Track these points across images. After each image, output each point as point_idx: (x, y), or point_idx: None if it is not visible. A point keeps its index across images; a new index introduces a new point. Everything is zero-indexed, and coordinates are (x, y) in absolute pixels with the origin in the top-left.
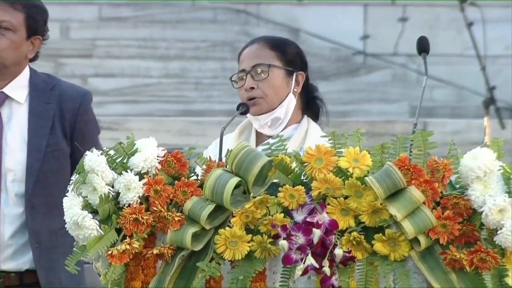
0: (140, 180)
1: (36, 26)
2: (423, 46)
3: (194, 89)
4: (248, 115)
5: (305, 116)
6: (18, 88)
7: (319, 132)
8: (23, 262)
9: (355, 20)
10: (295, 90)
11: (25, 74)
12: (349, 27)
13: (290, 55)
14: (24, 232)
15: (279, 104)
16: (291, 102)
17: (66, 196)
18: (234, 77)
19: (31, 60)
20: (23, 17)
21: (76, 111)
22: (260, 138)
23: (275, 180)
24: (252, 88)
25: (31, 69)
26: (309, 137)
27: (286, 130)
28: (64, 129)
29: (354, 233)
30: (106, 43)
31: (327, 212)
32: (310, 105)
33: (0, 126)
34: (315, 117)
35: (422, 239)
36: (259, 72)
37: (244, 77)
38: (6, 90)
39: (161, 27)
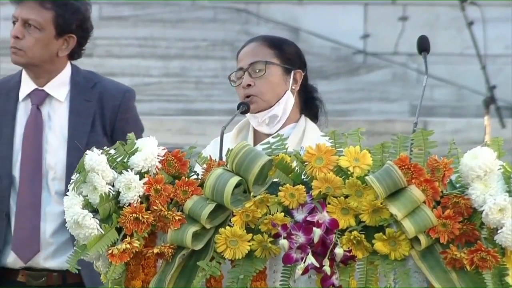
0: (140, 179)
1: (67, 24)
2: (423, 45)
3: (194, 88)
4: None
5: (303, 116)
6: (59, 86)
7: (317, 132)
8: (65, 260)
9: (355, 19)
10: (293, 88)
11: (66, 72)
12: (349, 26)
13: (288, 54)
14: (65, 230)
15: (276, 102)
16: (289, 100)
17: (67, 195)
18: (232, 76)
19: (72, 58)
20: (52, 16)
21: (116, 109)
22: (258, 137)
23: (275, 179)
24: (249, 85)
25: (73, 67)
26: (306, 136)
27: (284, 129)
28: (104, 127)
29: (355, 232)
30: (106, 42)
31: (327, 211)
32: (309, 105)
33: (41, 125)
34: (314, 117)
35: (422, 238)
36: (256, 69)
37: (242, 75)
38: (46, 88)
39: (162, 26)
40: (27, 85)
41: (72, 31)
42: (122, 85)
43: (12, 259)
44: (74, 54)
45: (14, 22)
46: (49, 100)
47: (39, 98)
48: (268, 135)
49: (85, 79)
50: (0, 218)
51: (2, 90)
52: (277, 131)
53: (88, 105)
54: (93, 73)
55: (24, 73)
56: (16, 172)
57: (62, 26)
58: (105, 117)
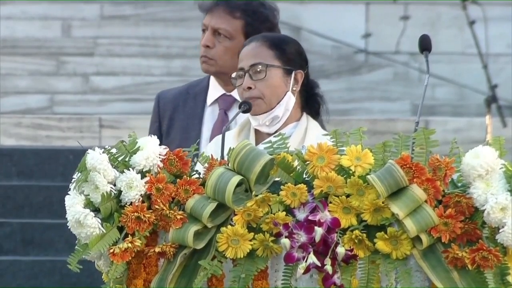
0: (142, 178)
1: (256, 33)
2: (425, 44)
3: None
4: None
5: (304, 114)
6: None
7: (319, 130)
8: None
9: (356, 18)
10: (294, 88)
11: None
12: (351, 25)
13: (289, 54)
14: None
15: (277, 104)
16: (290, 101)
17: (68, 194)
18: (234, 75)
19: None
20: (241, 25)
21: None
22: (259, 136)
23: (277, 179)
24: (250, 88)
25: None
26: (308, 135)
27: (286, 128)
28: None
29: (356, 232)
30: (108, 41)
31: (329, 211)
32: (310, 102)
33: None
34: (315, 114)
35: (424, 238)
36: (257, 71)
37: (243, 76)
38: (234, 94)
39: (163, 25)
40: (215, 90)
41: None
42: None
43: None
44: None
45: (203, 30)
46: (236, 105)
47: (227, 103)
48: (270, 134)
49: None
50: None
51: (189, 94)
52: (277, 130)
53: None
54: None
55: (212, 78)
56: None
57: (251, 34)
58: None
